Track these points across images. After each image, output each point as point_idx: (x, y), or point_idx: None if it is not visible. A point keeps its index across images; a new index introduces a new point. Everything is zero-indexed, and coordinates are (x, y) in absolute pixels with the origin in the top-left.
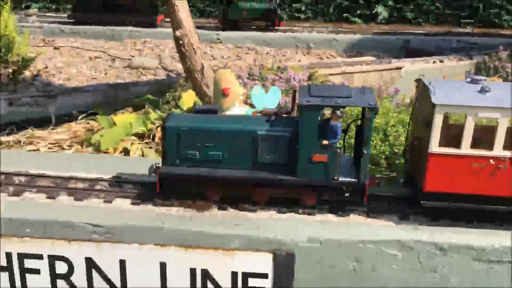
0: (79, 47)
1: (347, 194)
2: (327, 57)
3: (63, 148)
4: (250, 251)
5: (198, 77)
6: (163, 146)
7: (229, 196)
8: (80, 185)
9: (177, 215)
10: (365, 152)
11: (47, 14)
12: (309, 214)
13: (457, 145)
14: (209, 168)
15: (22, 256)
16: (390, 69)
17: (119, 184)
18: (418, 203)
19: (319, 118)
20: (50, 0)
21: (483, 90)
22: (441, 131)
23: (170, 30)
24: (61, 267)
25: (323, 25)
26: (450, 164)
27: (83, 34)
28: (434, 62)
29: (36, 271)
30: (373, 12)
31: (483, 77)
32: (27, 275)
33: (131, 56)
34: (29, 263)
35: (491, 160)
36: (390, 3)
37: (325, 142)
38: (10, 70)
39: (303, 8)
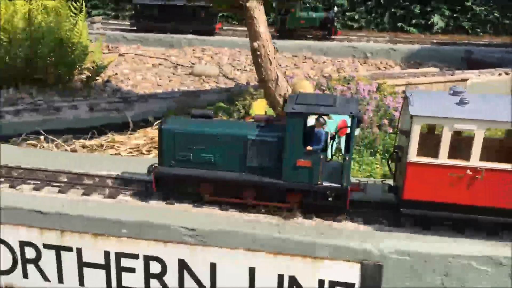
0: (142, 54)
1: (330, 199)
2: (385, 67)
3: (142, 153)
4: (338, 260)
5: (272, 86)
6: (159, 148)
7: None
8: None
9: (265, 221)
10: (346, 158)
11: (109, 21)
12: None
13: (436, 155)
14: (201, 169)
15: (119, 255)
16: (454, 81)
17: None
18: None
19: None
20: (110, 8)
21: (461, 102)
22: (420, 141)
23: (228, 38)
24: (155, 267)
25: (380, 35)
26: (428, 173)
27: (145, 42)
28: (499, 74)
29: (132, 270)
30: (429, 21)
31: (464, 90)
32: (123, 274)
33: (192, 63)
34: (125, 262)
35: (468, 171)
36: (447, 12)
37: (309, 148)
38: (84, 77)
39: (356, 17)
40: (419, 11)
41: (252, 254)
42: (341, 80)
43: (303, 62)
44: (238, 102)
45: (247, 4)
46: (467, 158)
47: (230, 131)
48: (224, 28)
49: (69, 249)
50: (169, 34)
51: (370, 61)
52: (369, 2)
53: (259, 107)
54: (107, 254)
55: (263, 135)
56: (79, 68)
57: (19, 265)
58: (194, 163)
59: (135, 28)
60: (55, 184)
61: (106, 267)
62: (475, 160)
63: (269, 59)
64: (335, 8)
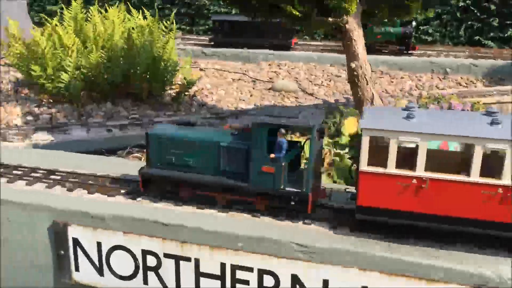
0: (221, 68)
1: (292, 203)
2: (466, 84)
3: None
4: (453, 284)
5: (368, 105)
6: (146, 151)
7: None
8: None
9: (373, 241)
10: (305, 166)
11: (187, 36)
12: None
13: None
14: (181, 171)
15: (234, 267)
16: None
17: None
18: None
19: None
20: (184, 23)
21: (408, 117)
22: (373, 152)
23: (304, 53)
24: (269, 281)
25: (458, 49)
26: (379, 182)
27: (222, 56)
28: None
29: (246, 282)
30: (506, 35)
31: (415, 106)
32: (237, 285)
33: (269, 78)
34: (240, 274)
35: (414, 180)
36: None
37: (272, 155)
38: (173, 92)
39: (430, 31)
40: (497, 24)
41: (365, 273)
42: (431, 98)
43: (380, 78)
44: (328, 120)
45: (347, 27)
46: (413, 168)
47: (206, 138)
48: (299, 42)
49: (188, 259)
50: (245, 49)
51: (450, 77)
52: (444, 16)
53: (351, 125)
54: (223, 265)
55: (234, 143)
56: (170, 84)
57: (140, 272)
58: (175, 166)
59: (213, 43)
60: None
61: (221, 278)
62: (420, 170)
63: (366, 79)
64: (413, 23)
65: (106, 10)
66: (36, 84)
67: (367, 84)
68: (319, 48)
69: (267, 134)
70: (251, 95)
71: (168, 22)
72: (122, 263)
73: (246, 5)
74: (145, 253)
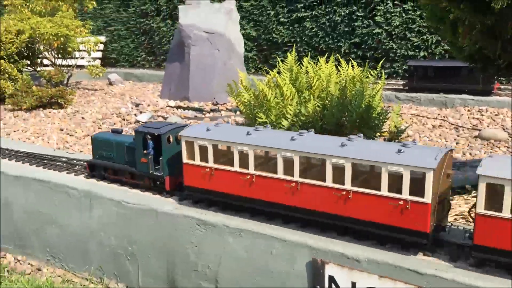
0: (419, 114)
1: (158, 183)
2: None
3: (468, 220)
4: None
5: None
6: (92, 148)
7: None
8: None
9: (493, 277)
10: (160, 159)
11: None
12: None
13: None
14: (107, 161)
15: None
16: None
17: None
18: None
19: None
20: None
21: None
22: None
23: (508, 98)
24: None
25: None
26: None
27: (417, 101)
28: None
29: None
30: None
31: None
32: None
33: (473, 125)
34: None
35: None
36: None
37: (145, 151)
38: (382, 139)
39: None
40: None
41: None
42: None
43: None
44: None
45: None
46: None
47: (119, 140)
48: (502, 87)
49: None
50: (442, 93)
51: None
52: None
53: None
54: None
55: (131, 143)
56: (380, 131)
57: None
58: (104, 158)
59: (407, 87)
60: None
61: None
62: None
63: None
64: None
65: (317, 60)
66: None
67: None
68: None
69: (142, 137)
70: (456, 143)
71: (375, 71)
72: None
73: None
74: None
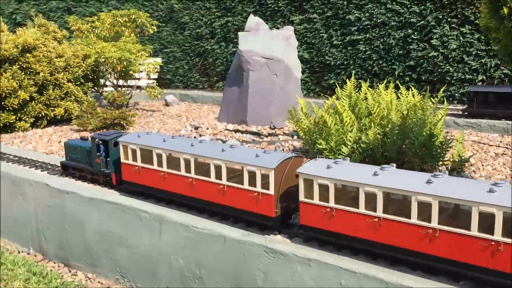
0: (479, 141)
1: (108, 178)
2: None
3: None
4: None
5: None
6: (64, 151)
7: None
8: None
9: None
10: (107, 159)
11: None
12: None
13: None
14: (75, 162)
15: None
16: None
17: None
18: None
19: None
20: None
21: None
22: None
23: None
24: None
25: None
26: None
27: (477, 127)
28: None
29: None
30: None
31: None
32: None
33: None
34: None
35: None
36: None
37: (98, 154)
38: (444, 168)
39: None
40: None
41: None
42: None
43: None
44: None
45: None
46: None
47: (82, 145)
48: None
49: None
50: (503, 120)
51: None
52: None
53: None
54: None
55: (91, 147)
56: (442, 160)
57: None
58: (73, 159)
59: (466, 113)
60: None
61: None
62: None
63: None
64: None
65: (372, 83)
66: (320, 156)
67: None
68: None
69: (95, 143)
70: None
71: (435, 98)
72: None
73: None
74: None
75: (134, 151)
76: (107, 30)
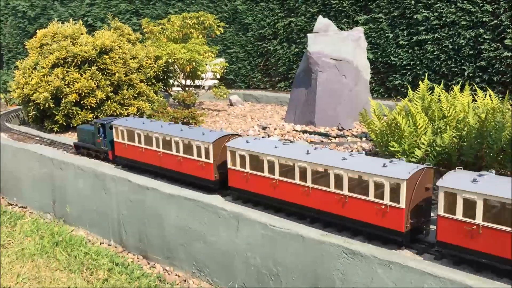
0: None
1: (105, 154)
2: None
3: None
4: None
5: None
6: (77, 134)
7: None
8: None
9: None
10: (105, 139)
11: None
12: None
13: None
14: (85, 143)
15: None
16: None
17: None
18: None
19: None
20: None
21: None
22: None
23: None
24: None
25: None
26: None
27: None
28: None
29: None
30: None
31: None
32: None
33: None
34: None
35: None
36: None
37: (99, 135)
38: None
39: None
40: None
41: None
42: None
43: None
44: None
45: None
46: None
47: (89, 129)
48: None
49: None
50: None
51: None
52: None
53: None
54: None
55: (94, 130)
56: None
57: None
58: (83, 140)
59: None
60: None
61: None
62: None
63: None
64: None
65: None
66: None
67: None
68: None
69: (98, 126)
70: None
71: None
72: None
73: None
74: None
75: (121, 131)
76: (176, 32)
